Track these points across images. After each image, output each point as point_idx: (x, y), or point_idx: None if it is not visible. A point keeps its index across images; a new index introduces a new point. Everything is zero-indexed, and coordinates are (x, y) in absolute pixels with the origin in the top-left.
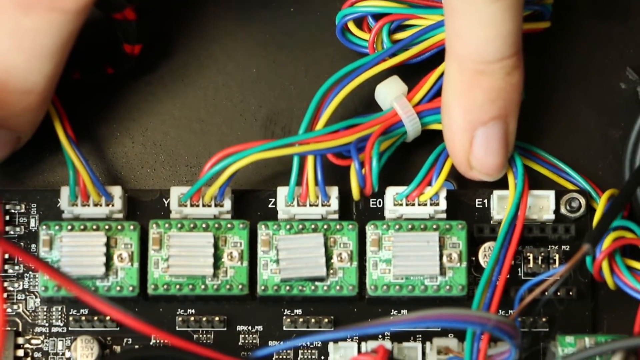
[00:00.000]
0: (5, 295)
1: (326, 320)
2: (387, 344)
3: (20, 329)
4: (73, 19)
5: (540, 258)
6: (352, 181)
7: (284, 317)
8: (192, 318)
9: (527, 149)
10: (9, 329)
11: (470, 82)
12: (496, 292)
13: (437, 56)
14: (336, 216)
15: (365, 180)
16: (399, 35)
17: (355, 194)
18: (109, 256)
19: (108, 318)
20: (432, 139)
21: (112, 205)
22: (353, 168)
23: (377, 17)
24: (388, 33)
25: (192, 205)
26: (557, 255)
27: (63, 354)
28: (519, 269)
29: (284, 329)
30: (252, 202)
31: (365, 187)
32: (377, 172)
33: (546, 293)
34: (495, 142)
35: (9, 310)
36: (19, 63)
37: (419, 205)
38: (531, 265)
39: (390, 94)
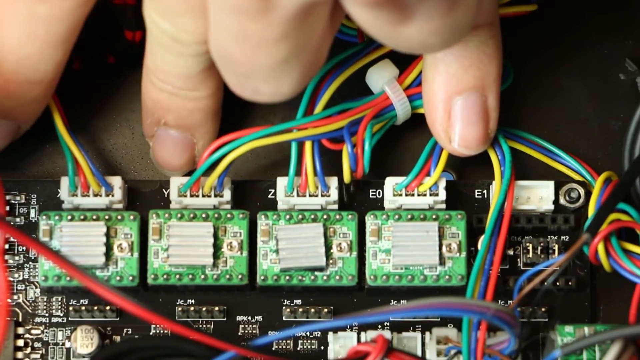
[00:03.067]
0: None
1: (326, 310)
2: (387, 334)
3: (20, 319)
4: (84, 4)
5: (539, 248)
6: (344, 163)
7: (284, 307)
8: (192, 308)
9: (525, 137)
10: (8, 319)
11: (444, 51)
12: (490, 281)
13: None
14: (336, 206)
15: (357, 162)
16: None
17: (347, 176)
18: (108, 246)
19: (108, 308)
20: (422, 122)
21: (112, 196)
22: (345, 150)
23: None
24: None
25: (191, 196)
26: (556, 246)
27: (63, 344)
28: (518, 260)
29: (284, 319)
30: (251, 192)
31: (357, 170)
32: (369, 155)
33: (545, 283)
34: (472, 113)
35: (8, 300)
36: (32, 52)
37: (418, 195)
38: (530, 255)
39: (382, 78)
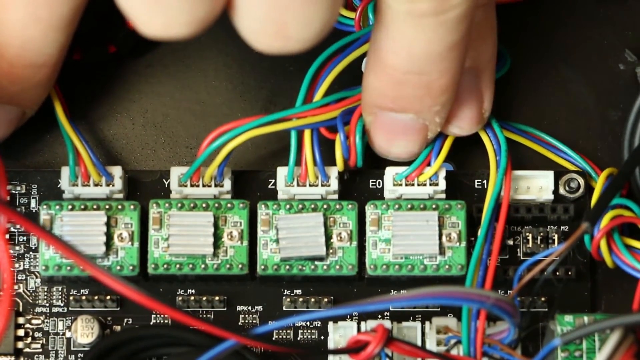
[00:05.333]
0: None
1: (326, 300)
2: (387, 324)
3: (20, 309)
4: None
5: (539, 238)
6: (336, 152)
7: (284, 297)
8: (192, 298)
9: (526, 130)
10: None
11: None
12: (489, 271)
13: None
14: (336, 196)
15: (350, 151)
16: None
17: (340, 164)
18: (109, 236)
19: (109, 298)
20: None
21: (113, 185)
22: (338, 139)
23: None
24: (374, 9)
25: (192, 186)
26: (556, 236)
27: (63, 333)
28: (518, 249)
29: (284, 309)
30: (251, 182)
31: (350, 159)
32: (362, 144)
33: (545, 273)
34: (466, 93)
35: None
36: (36, 35)
37: (419, 185)
38: (530, 245)
39: None
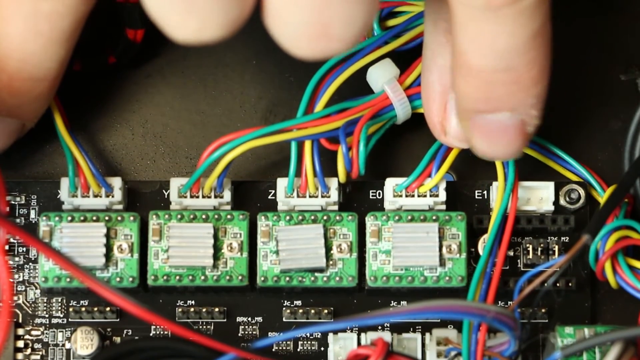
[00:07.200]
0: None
1: (326, 311)
2: (387, 335)
3: (20, 320)
4: (87, 0)
5: (539, 249)
6: (338, 164)
7: (284, 309)
8: (192, 309)
9: None
10: (9, 319)
11: (443, 45)
12: (492, 284)
13: None
14: (336, 207)
15: (352, 163)
16: (390, 22)
17: (342, 176)
18: (109, 247)
19: (108, 309)
20: (423, 122)
21: (112, 197)
22: (340, 151)
23: None
24: (379, 20)
25: (191, 197)
26: (556, 247)
27: (63, 345)
28: (519, 261)
29: (284, 320)
30: (251, 193)
31: (352, 171)
32: (364, 155)
33: (545, 284)
34: None
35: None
36: (36, 49)
37: (419, 196)
38: (530, 256)
39: (382, 77)
